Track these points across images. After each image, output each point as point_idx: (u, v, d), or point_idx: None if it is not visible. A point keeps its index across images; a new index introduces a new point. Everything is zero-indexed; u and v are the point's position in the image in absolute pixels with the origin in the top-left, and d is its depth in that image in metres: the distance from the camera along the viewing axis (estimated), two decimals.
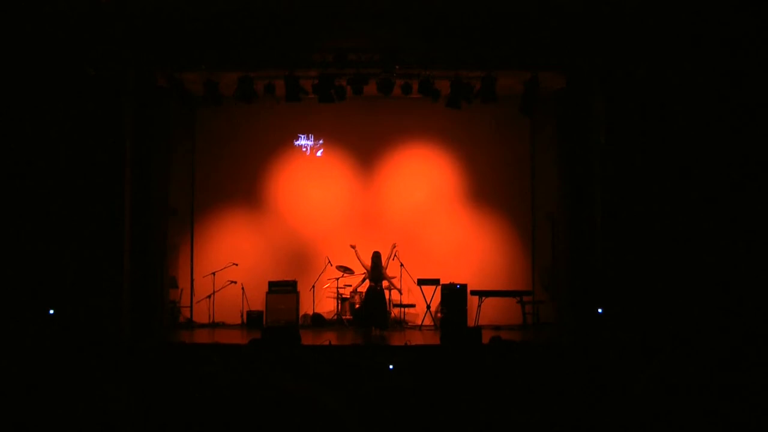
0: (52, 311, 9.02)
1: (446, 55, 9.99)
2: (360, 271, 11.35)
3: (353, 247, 11.00)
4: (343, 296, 11.90)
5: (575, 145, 10.35)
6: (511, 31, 9.77)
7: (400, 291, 11.48)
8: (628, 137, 9.59)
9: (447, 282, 11.38)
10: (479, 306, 11.39)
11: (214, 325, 11.76)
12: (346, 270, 11.76)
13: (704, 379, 4.37)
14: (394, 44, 9.85)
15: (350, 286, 11.88)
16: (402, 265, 11.66)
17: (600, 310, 9.56)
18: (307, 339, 9.26)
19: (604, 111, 9.80)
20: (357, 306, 11.61)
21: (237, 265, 11.92)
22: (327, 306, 12.15)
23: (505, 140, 12.52)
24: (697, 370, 4.67)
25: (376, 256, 10.92)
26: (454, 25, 9.67)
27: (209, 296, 11.85)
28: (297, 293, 11.82)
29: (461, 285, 11.23)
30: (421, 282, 11.62)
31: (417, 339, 10.23)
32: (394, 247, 11.16)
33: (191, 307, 12.11)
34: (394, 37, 9.77)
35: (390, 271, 11.42)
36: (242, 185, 12.48)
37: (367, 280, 11.11)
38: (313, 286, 11.93)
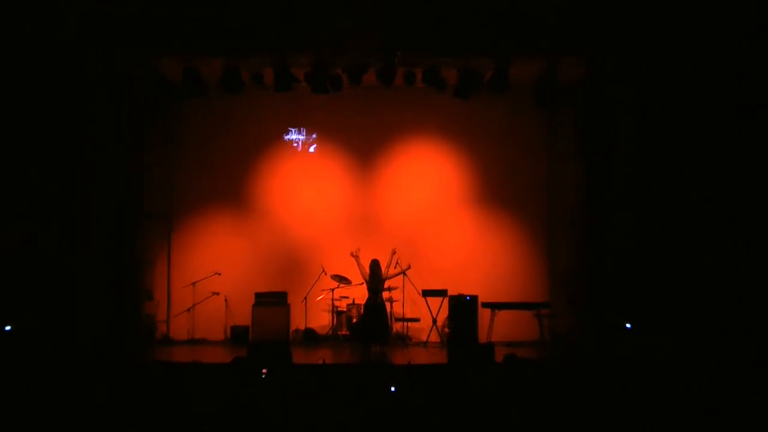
0: (8, 327, 8.89)
1: (454, 40, 9.96)
2: (358, 281, 11.31)
3: (355, 255, 10.91)
4: (339, 309, 11.85)
5: (597, 140, 10.35)
6: (526, 13, 9.75)
7: (405, 272, 11.33)
8: (657, 131, 9.55)
9: (455, 293, 11.33)
10: (491, 319, 11.35)
11: (193, 342, 11.73)
12: (342, 280, 11.70)
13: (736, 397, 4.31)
14: (396, 27, 9.80)
15: (347, 297, 11.84)
16: (405, 274, 11.59)
17: (628, 325, 9.47)
18: (299, 357, 9.16)
19: (631, 102, 9.77)
20: (354, 320, 11.56)
21: (220, 274, 11.90)
22: (321, 320, 12.09)
23: (518, 135, 12.50)
24: (732, 392, 4.61)
25: (375, 265, 10.86)
26: (463, 5, 9.63)
27: (188, 309, 11.82)
28: (287, 306, 11.75)
29: (471, 296, 11.17)
30: (426, 293, 11.57)
31: (422, 357, 10.20)
32: (394, 253, 11.08)
33: (168, 321, 12.06)
34: (396, 18, 9.72)
35: (392, 281, 11.36)
36: (226, 185, 12.45)
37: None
38: (305, 298, 11.88)
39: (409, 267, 11.33)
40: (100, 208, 9.93)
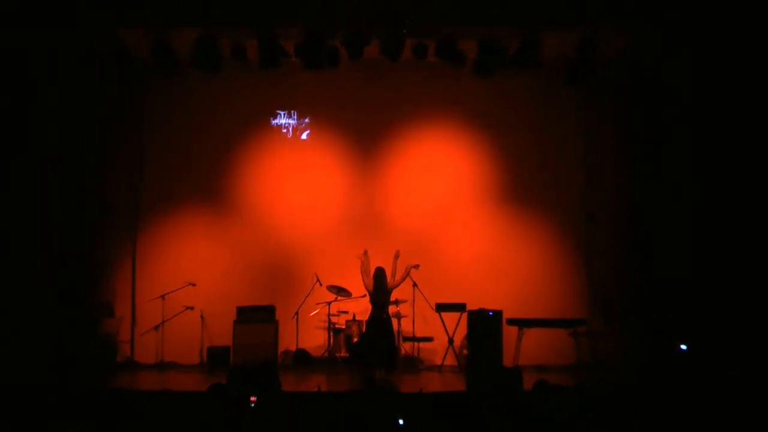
0: None
1: (474, 5, 9.90)
2: (359, 292, 11.21)
3: (364, 258, 10.70)
4: (337, 326, 11.80)
5: (645, 125, 10.30)
6: None
7: (411, 275, 11.11)
8: (718, 113, 9.42)
9: (475, 307, 11.23)
10: (519, 339, 11.29)
11: (163, 366, 11.72)
12: (340, 291, 11.66)
13: None
14: None
15: (346, 312, 11.79)
16: (415, 284, 11.55)
17: (683, 346, 9.40)
18: (289, 383, 9.12)
19: (685, 79, 9.65)
20: (355, 339, 11.51)
21: (194, 285, 11.87)
22: (315, 340, 12.07)
23: (550, 119, 12.50)
24: None
25: (380, 274, 10.76)
26: None
27: (157, 327, 11.79)
28: (275, 323, 11.71)
29: (494, 311, 11.06)
30: (441, 308, 11.54)
31: (435, 383, 10.19)
32: (397, 257, 10.92)
33: (132, 341, 12.04)
34: None
35: (400, 293, 11.29)
36: (202, 178, 12.44)
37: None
38: (297, 314, 11.85)
39: (417, 266, 11.11)
40: (49, 204, 9.88)
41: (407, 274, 10.99)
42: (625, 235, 10.92)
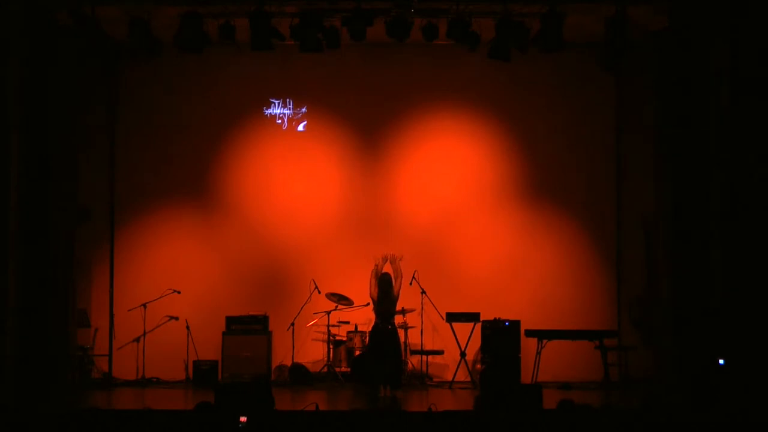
0: None
1: None
2: (362, 300, 11.31)
3: (391, 260, 10.68)
4: (337, 338, 11.85)
5: (684, 115, 10.26)
6: None
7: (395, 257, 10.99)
8: (765, 102, 9.45)
9: (489, 317, 11.38)
10: (539, 352, 11.35)
11: (144, 383, 11.74)
12: (341, 299, 11.72)
13: None
14: None
15: (347, 323, 11.84)
16: (423, 291, 11.61)
17: (721, 361, 9.42)
18: (284, 401, 9.16)
19: (729, 63, 9.64)
20: (357, 353, 11.56)
21: (179, 292, 11.90)
22: (313, 353, 12.13)
23: (576, 109, 12.51)
24: None
25: (386, 281, 10.73)
26: None
27: (137, 339, 11.80)
28: (269, 334, 11.81)
29: (511, 322, 11.19)
30: (452, 317, 11.57)
31: (446, 401, 10.16)
32: (393, 261, 10.81)
33: (110, 355, 12.06)
34: None
35: (407, 302, 11.34)
36: (186, 174, 12.50)
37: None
38: (292, 324, 11.86)
39: (399, 257, 10.82)
40: (16, 202, 9.90)
41: (399, 272, 10.78)
42: (662, 241, 10.78)
